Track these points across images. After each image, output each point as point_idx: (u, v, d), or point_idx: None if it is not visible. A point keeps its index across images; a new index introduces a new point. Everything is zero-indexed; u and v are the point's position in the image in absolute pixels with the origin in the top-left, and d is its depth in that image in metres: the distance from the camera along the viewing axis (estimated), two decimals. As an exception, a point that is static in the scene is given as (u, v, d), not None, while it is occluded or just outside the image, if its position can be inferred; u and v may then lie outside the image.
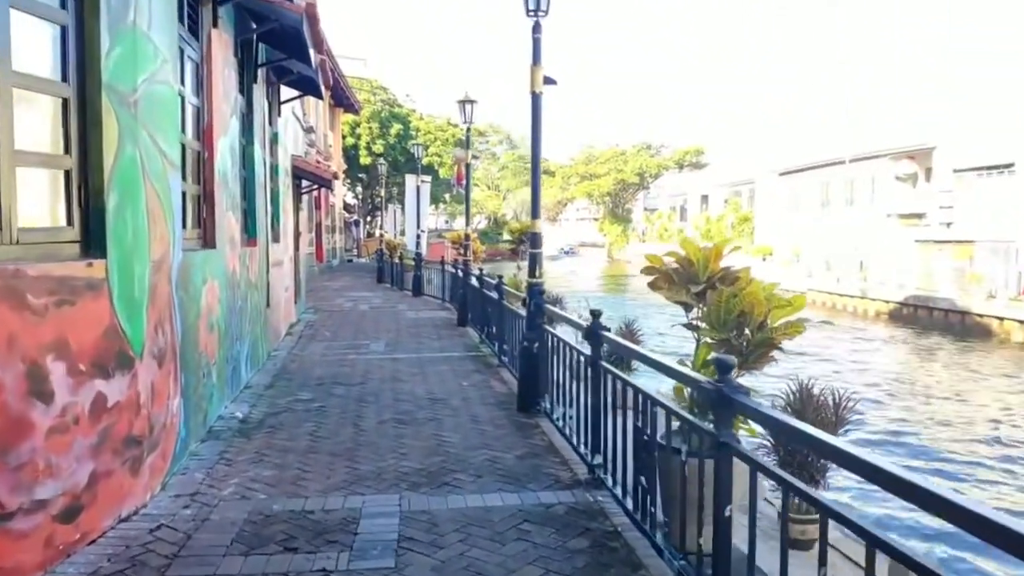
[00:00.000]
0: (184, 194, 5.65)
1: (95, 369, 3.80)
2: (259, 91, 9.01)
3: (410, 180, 19.72)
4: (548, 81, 6.28)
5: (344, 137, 44.40)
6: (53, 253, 3.67)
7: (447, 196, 58.73)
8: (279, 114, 11.15)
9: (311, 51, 8.44)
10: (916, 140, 39.32)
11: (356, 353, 9.96)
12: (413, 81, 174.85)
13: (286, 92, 11.64)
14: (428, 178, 22.99)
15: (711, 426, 3.10)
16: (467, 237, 12.78)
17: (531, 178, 6.42)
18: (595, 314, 4.81)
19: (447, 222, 78.52)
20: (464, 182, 13.27)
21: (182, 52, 5.53)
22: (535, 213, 6.45)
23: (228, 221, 6.88)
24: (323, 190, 30.67)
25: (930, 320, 32.49)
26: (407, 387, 7.70)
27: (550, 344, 5.98)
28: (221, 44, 6.58)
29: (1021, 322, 27.93)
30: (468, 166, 12.38)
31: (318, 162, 14.06)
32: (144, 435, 4.31)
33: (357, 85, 41.57)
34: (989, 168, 35.22)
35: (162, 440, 4.62)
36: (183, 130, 5.59)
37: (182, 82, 5.56)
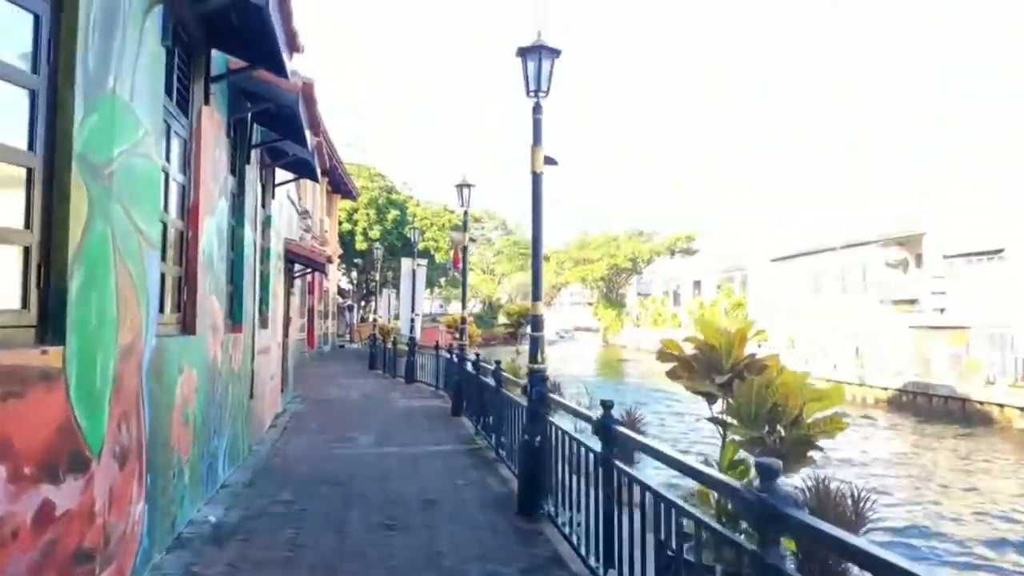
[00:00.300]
0: (163, 276, 5.28)
1: (42, 473, 3.31)
2: (252, 172, 8.79)
3: (406, 263, 19.48)
4: (549, 161, 6.04)
5: (341, 223, 44.62)
6: (4, 340, 3.26)
7: (442, 280, 58.77)
8: (273, 196, 10.93)
9: (307, 132, 8.26)
10: (905, 227, 39.73)
11: (344, 447, 9.39)
12: (411, 167, 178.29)
13: (281, 175, 11.48)
14: (424, 262, 22.79)
15: (754, 545, 2.63)
16: (463, 321, 12.40)
17: (532, 259, 6.10)
18: (607, 405, 4.37)
19: (441, 306, 78.33)
20: (461, 265, 12.99)
21: (168, 127, 5.27)
22: (536, 295, 6.09)
23: (211, 305, 6.49)
24: (317, 274, 30.48)
25: (930, 407, 31.98)
26: (397, 486, 7.13)
27: (554, 438, 5.51)
28: (212, 122, 6.35)
29: (1021, 409, 27.46)
30: (465, 249, 12.12)
31: (313, 247, 13.79)
32: (98, 548, 3.77)
33: (355, 171, 42.09)
34: (979, 254, 35.45)
35: (120, 552, 4.07)
36: (166, 208, 5.27)
37: (167, 158, 5.27)
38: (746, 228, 76.22)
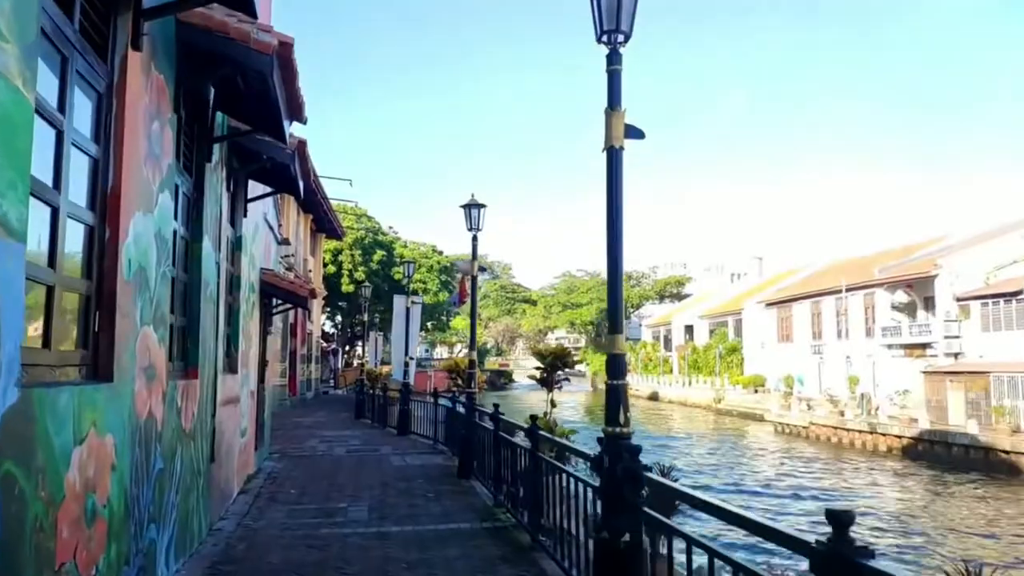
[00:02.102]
0: (52, 290, 3.37)
1: None
2: (215, 174, 6.92)
3: (399, 301, 17.57)
4: (634, 133, 4.23)
5: (325, 264, 42.70)
6: None
7: (429, 324, 56.64)
8: (245, 214, 9.05)
9: (284, 123, 6.43)
10: (916, 268, 38.32)
11: (329, 524, 7.35)
12: (396, 212, 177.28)
13: (255, 189, 9.62)
14: (419, 299, 20.88)
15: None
16: (472, 364, 10.47)
17: (608, 271, 4.21)
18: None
19: (427, 351, 76.06)
20: (467, 298, 11.12)
21: (65, 59, 3.41)
22: (616, 325, 4.21)
23: (144, 341, 4.55)
24: (300, 315, 28.39)
25: (949, 456, 30.11)
26: (405, 593, 5.14)
27: (652, 538, 3.60)
28: (149, 81, 4.51)
29: (1054, 458, 25.69)
30: (474, 280, 10.26)
31: (294, 280, 11.85)
32: None
33: (341, 210, 40.34)
34: (995, 296, 33.99)
35: None
36: (56, 183, 3.38)
37: (62, 105, 3.41)
38: (739, 271, 75.31)
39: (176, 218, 5.71)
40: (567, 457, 6.65)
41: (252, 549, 6.30)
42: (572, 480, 5.26)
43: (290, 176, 8.84)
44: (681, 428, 41.05)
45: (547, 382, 7.67)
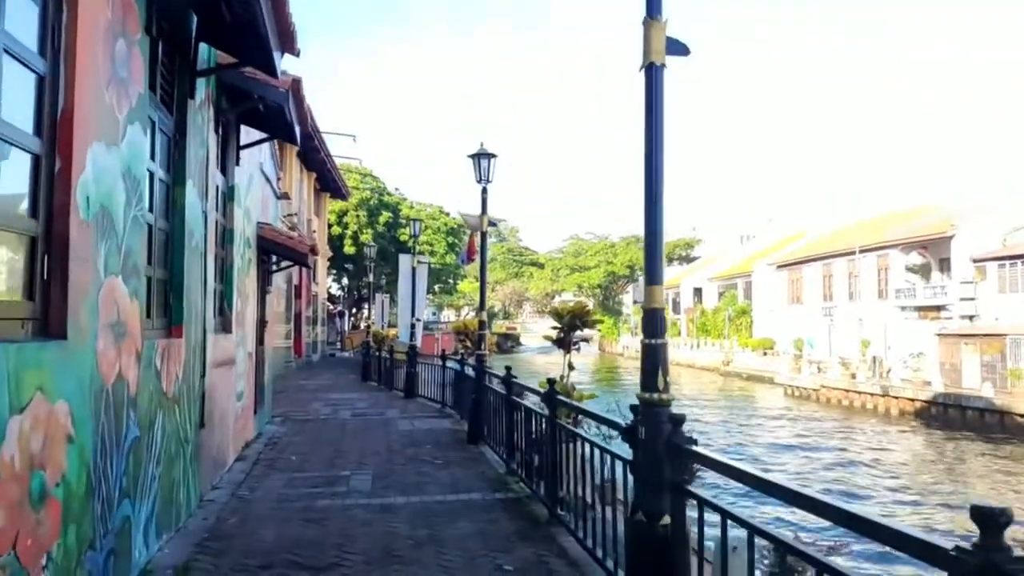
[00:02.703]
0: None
1: None
2: (199, 114, 6.27)
3: (404, 260, 16.95)
4: (677, 48, 3.57)
5: (330, 225, 42.03)
6: None
7: (436, 287, 56.09)
8: (237, 162, 8.41)
9: (275, 55, 5.75)
10: (932, 229, 37.41)
11: (330, 495, 6.84)
12: (401, 173, 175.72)
13: (248, 135, 8.96)
14: (426, 259, 20.27)
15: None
16: (482, 325, 9.88)
17: (646, 222, 3.59)
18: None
19: (434, 314, 75.65)
20: (476, 256, 10.51)
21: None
22: (654, 275, 3.60)
23: (110, 294, 3.96)
24: (304, 276, 27.85)
25: (963, 420, 29.65)
26: None
27: (699, 523, 3.04)
28: (109, -10, 3.85)
29: (1072, 421, 25.15)
30: (484, 236, 9.63)
31: (293, 236, 11.25)
32: None
33: (345, 169, 39.54)
34: (1013, 258, 33.15)
35: None
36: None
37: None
38: (749, 233, 74.26)
39: (153, 158, 5.09)
40: (580, 421, 6.10)
41: (245, 523, 5.80)
42: (596, 451, 4.70)
43: (286, 122, 8.18)
44: (690, 392, 40.65)
45: (564, 343, 7.03)
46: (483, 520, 5.89)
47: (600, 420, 4.60)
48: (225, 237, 8.29)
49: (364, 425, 11.80)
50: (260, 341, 10.76)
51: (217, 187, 7.52)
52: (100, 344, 3.80)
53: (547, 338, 7.44)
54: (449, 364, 13.73)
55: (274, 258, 11.21)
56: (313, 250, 10.18)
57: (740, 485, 2.87)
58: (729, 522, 2.84)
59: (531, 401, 6.91)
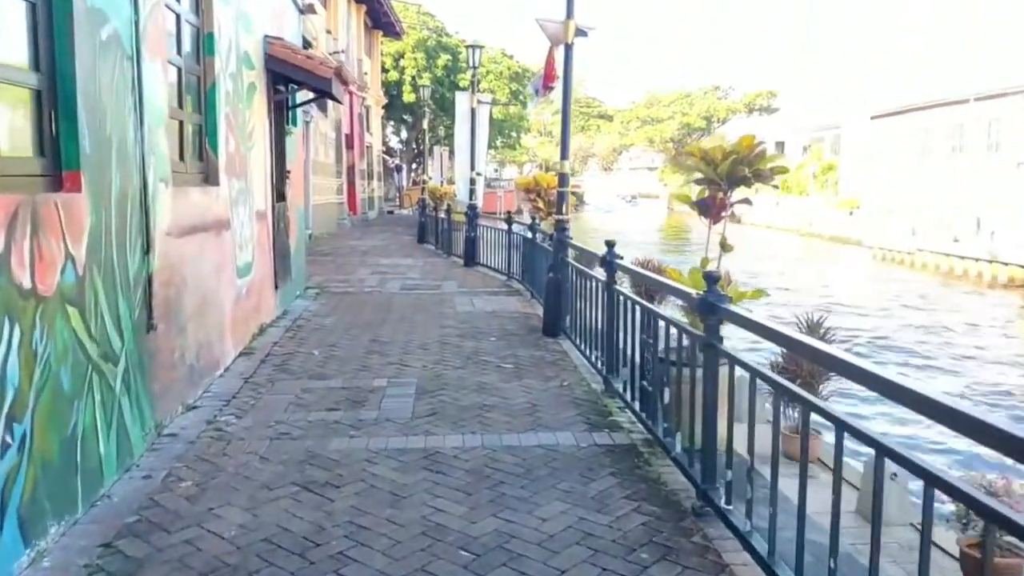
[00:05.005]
0: None
1: None
2: None
3: (462, 100, 14.13)
4: None
5: (386, 69, 38.68)
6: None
7: (498, 141, 52.67)
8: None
9: None
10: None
11: (350, 428, 4.62)
12: (460, 15, 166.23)
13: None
14: (488, 97, 17.36)
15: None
16: (563, 179, 7.24)
17: None
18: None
19: (496, 171, 72.52)
20: (556, 82, 7.75)
21: None
22: None
23: None
24: (356, 125, 25.20)
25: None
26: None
27: None
28: None
29: None
30: (569, 50, 6.82)
31: (313, 55, 8.57)
32: None
33: (400, 10, 35.69)
34: None
35: None
36: None
37: None
38: (839, 83, 67.47)
39: None
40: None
41: (199, 498, 3.62)
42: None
43: None
44: (770, 254, 37.36)
45: (713, 209, 4.31)
46: (587, 501, 3.57)
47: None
48: (203, 45, 5.74)
49: (414, 303, 9.59)
50: (279, 197, 8.42)
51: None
52: None
53: (679, 199, 4.72)
54: (516, 228, 11.29)
55: (291, 87, 8.62)
56: (339, 74, 7.55)
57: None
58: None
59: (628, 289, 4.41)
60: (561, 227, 7.28)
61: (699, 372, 3.49)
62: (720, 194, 4.40)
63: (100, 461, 3.61)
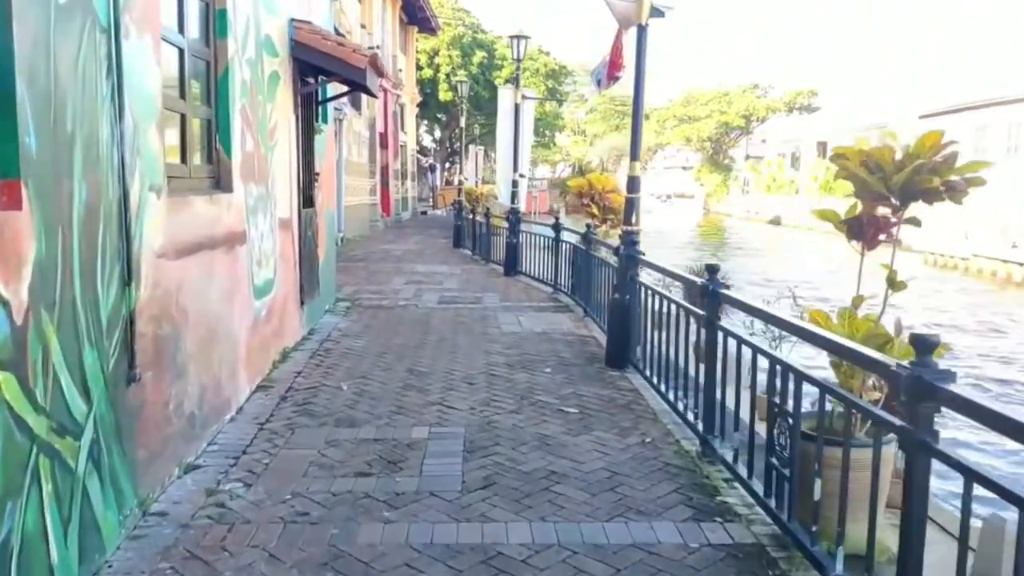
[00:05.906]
0: None
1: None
2: None
3: (505, 95, 13.20)
4: None
5: (421, 67, 37.81)
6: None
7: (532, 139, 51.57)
8: None
9: None
10: None
11: (383, 507, 3.61)
12: (488, 12, 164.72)
13: None
14: (533, 92, 16.35)
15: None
16: (632, 184, 6.16)
17: None
18: None
19: (530, 170, 71.47)
20: (622, 72, 6.68)
21: None
22: None
23: None
24: (390, 123, 24.29)
25: None
26: None
27: None
28: None
29: None
30: (643, 32, 5.77)
31: (345, 42, 7.61)
32: None
33: (435, 6, 34.79)
34: None
35: None
36: None
37: None
38: (883, 83, 65.23)
39: None
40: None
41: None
42: None
43: None
44: (811, 259, 35.63)
45: (868, 231, 3.16)
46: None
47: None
48: (216, 26, 4.79)
49: (454, 319, 8.60)
50: (307, 203, 7.49)
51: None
52: None
53: (823, 215, 3.58)
54: (564, 237, 10.24)
55: (320, 79, 7.66)
56: (374, 64, 6.57)
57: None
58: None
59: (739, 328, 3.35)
60: (631, 239, 6.21)
61: (857, 452, 2.44)
62: (888, 212, 3.32)
63: (51, 574, 2.65)
